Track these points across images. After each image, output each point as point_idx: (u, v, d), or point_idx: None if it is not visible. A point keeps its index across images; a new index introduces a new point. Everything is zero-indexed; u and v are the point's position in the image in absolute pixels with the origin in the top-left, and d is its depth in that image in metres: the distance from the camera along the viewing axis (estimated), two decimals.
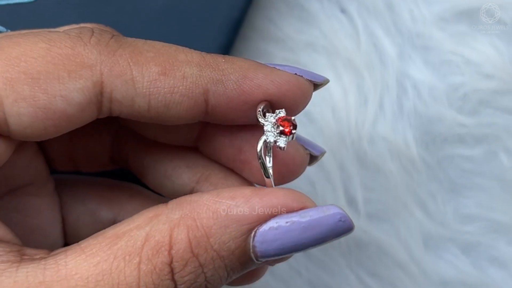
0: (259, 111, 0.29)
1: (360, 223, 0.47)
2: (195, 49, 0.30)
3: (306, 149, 0.33)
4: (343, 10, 0.48)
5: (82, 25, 0.32)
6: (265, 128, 0.29)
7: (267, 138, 0.29)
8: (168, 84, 0.28)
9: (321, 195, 0.47)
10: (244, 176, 0.33)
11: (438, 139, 0.47)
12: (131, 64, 0.28)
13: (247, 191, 0.28)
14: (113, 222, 0.35)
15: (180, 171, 0.34)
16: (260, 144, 0.29)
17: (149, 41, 0.29)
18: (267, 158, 0.29)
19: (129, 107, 0.28)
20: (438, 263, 0.47)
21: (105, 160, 0.36)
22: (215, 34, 0.42)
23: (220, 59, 0.29)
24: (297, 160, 0.32)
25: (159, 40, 0.32)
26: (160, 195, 0.36)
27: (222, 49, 0.43)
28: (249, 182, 0.33)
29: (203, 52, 0.30)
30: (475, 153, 0.47)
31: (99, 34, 0.29)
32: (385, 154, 0.47)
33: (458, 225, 0.47)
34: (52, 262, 0.26)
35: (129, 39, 0.29)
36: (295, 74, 0.30)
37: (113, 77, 0.28)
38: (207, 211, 0.27)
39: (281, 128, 0.29)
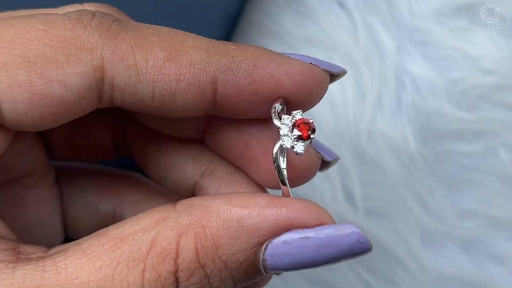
0: (274, 112, 0.27)
1: (358, 219, 0.47)
2: None
3: (318, 152, 0.31)
4: (341, 4, 0.48)
5: (84, 5, 0.31)
6: (280, 132, 0.27)
7: (284, 144, 0.27)
8: (173, 71, 0.26)
9: (319, 191, 0.47)
10: (250, 175, 0.31)
11: (437, 135, 0.47)
12: (134, 48, 0.26)
13: (261, 200, 0.26)
14: (112, 214, 0.34)
15: (184, 163, 0.32)
16: (276, 149, 0.27)
17: (154, 25, 0.28)
18: (283, 164, 0.27)
19: (132, 95, 0.27)
20: (436, 259, 0.47)
21: (107, 149, 0.35)
22: (213, 28, 0.42)
23: (230, 45, 0.28)
24: (307, 164, 0.30)
25: None
26: (162, 187, 0.35)
27: None
28: (255, 182, 0.32)
29: (212, 39, 0.28)
30: (474, 149, 0.47)
31: (101, 16, 0.27)
32: (384, 149, 0.47)
33: (457, 221, 0.47)
34: (51, 264, 0.25)
35: (133, 22, 0.28)
36: (310, 63, 0.28)
37: (115, 62, 0.26)
38: (218, 219, 0.25)
39: (298, 133, 0.27)
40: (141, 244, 0.25)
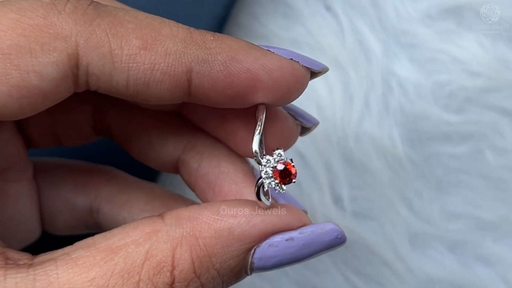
0: (256, 151, 0.27)
1: (346, 222, 0.47)
2: None
3: (296, 119, 0.31)
4: (328, 7, 0.48)
5: None
6: (262, 173, 0.27)
7: (264, 186, 0.27)
8: (148, 60, 0.26)
9: (307, 194, 0.47)
10: (230, 146, 0.32)
11: (424, 137, 0.47)
12: (109, 35, 0.26)
13: (247, 209, 0.27)
14: (89, 208, 0.34)
15: (165, 139, 0.32)
16: (256, 186, 0.28)
17: (132, 11, 0.27)
18: (265, 200, 0.28)
19: (107, 82, 0.26)
20: (424, 261, 0.47)
21: (88, 132, 0.34)
22: None
23: (208, 36, 0.27)
24: (286, 133, 0.31)
25: None
26: (138, 179, 0.35)
27: None
28: (235, 153, 0.32)
29: (191, 28, 0.27)
30: (461, 151, 0.47)
31: (76, 0, 0.26)
32: (371, 152, 0.47)
33: (444, 223, 0.47)
34: (42, 273, 0.25)
35: (110, 7, 0.27)
36: (291, 59, 0.28)
37: (89, 49, 0.25)
38: (209, 230, 0.26)
39: (279, 179, 0.27)
40: (135, 257, 0.25)
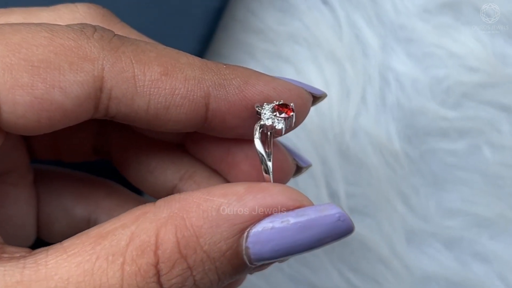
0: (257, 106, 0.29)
1: None
2: (175, 38, 0.31)
3: (294, 159, 0.33)
4: (325, 1, 0.47)
5: (77, 4, 0.32)
6: (262, 112, 0.29)
7: (264, 120, 0.28)
8: (169, 85, 0.28)
9: (303, 190, 0.46)
10: (229, 179, 0.32)
11: (421, 133, 0.47)
12: (133, 62, 0.27)
13: (240, 188, 0.26)
14: (87, 219, 0.34)
15: (164, 167, 0.33)
16: (256, 129, 0.28)
17: (151, 42, 0.29)
18: (264, 153, 0.28)
19: (128, 106, 0.28)
20: (420, 258, 0.47)
21: (87, 151, 0.35)
22: (196, 24, 0.42)
23: (221, 65, 0.29)
24: (285, 168, 0.32)
25: (139, 31, 0.32)
26: (139, 194, 0.36)
27: (202, 39, 0.42)
28: None
29: (205, 59, 0.29)
30: (458, 147, 0.47)
31: (102, 30, 0.28)
32: (368, 148, 0.46)
33: (441, 220, 0.47)
34: (31, 261, 0.25)
35: (132, 38, 0.29)
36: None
37: (114, 73, 0.27)
38: (197, 209, 0.26)
39: (278, 112, 0.28)
40: (120, 239, 0.25)
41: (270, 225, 0.26)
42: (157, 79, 0.27)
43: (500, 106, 0.47)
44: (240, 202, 0.26)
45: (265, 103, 0.29)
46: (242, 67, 0.30)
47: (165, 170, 0.33)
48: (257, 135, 0.28)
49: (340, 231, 0.26)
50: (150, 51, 0.28)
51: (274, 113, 0.28)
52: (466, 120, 0.47)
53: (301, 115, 0.30)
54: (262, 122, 0.28)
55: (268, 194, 0.26)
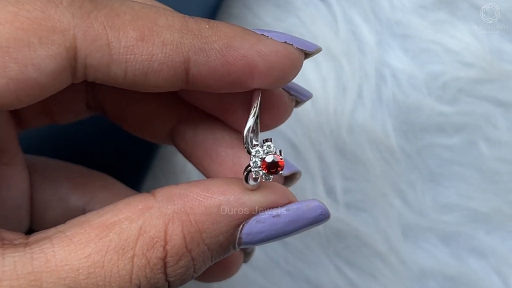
0: (246, 137, 0.28)
1: (339, 213, 0.46)
2: None
3: (291, 95, 0.32)
4: None
5: None
6: (251, 162, 0.28)
7: (252, 174, 0.28)
8: (146, 51, 0.26)
9: (300, 185, 0.46)
10: (228, 123, 0.32)
11: (417, 128, 0.47)
12: (107, 28, 0.26)
13: (236, 187, 0.28)
14: (82, 210, 0.34)
15: (159, 111, 0.33)
16: (245, 171, 0.28)
17: (127, 1, 0.28)
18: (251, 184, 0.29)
19: (105, 73, 0.27)
20: (417, 253, 0.47)
21: (80, 108, 0.35)
22: None
23: (204, 24, 0.28)
24: (282, 108, 0.31)
25: None
26: (135, 190, 0.36)
27: None
28: (230, 127, 0.32)
29: (186, 16, 0.28)
30: (454, 142, 0.47)
31: None
32: (364, 143, 0.46)
33: (437, 215, 0.47)
34: (38, 251, 0.25)
35: None
36: (284, 42, 0.28)
37: (87, 42, 0.26)
38: (199, 206, 0.27)
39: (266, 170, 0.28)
40: (129, 233, 0.26)
41: (263, 219, 0.28)
42: (133, 45, 0.26)
43: (496, 101, 0.47)
44: (238, 201, 0.28)
45: (253, 149, 0.28)
46: (227, 25, 0.28)
47: (160, 114, 0.33)
48: (245, 175, 0.28)
49: (319, 222, 0.29)
50: (125, 13, 0.27)
51: (263, 171, 0.28)
52: (462, 115, 0.47)
53: (289, 77, 0.29)
54: (251, 169, 0.28)
55: (263, 194, 0.28)
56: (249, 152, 0.28)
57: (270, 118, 0.31)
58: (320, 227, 0.46)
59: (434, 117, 0.47)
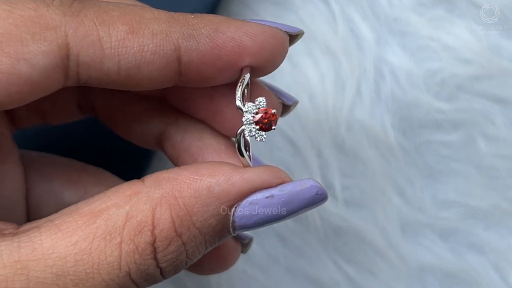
0: (239, 96, 0.28)
1: (337, 210, 0.47)
2: None
3: (279, 98, 0.32)
4: None
5: None
6: (243, 119, 0.28)
7: (245, 133, 0.28)
8: (137, 43, 0.27)
9: None
10: (214, 126, 0.33)
11: (416, 125, 0.47)
12: (97, 24, 0.27)
13: (226, 168, 0.28)
14: None
15: (149, 114, 0.33)
16: (238, 134, 0.28)
17: (112, 1, 0.28)
18: (244, 151, 0.29)
19: (98, 70, 0.27)
20: (416, 249, 0.47)
21: (73, 110, 0.35)
22: None
23: (189, 15, 0.28)
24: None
25: None
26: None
27: None
28: (218, 132, 0.33)
29: (171, 12, 0.29)
30: (452, 139, 0.47)
31: None
32: (363, 140, 0.47)
33: (436, 211, 0.47)
34: (26, 239, 0.25)
35: (93, 0, 0.28)
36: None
37: (79, 38, 0.26)
38: (188, 189, 0.27)
39: (258, 125, 0.28)
40: (116, 219, 0.26)
41: (256, 200, 0.28)
42: (123, 38, 0.27)
43: (495, 98, 0.47)
44: (228, 181, 0.27)
45: (247, 104, 0.28)
46: (212, 15, 0.29)
47: (150, 117, 0.33)
48: (237, 139, 0.28)
49: (317, 202, 0.29)
50: (113, 10, 0.27)
51: (255, 127, 0.28)
52: (460, 112, 0.47)
53: (279, 56, 0.30)
54: (243, 129, 0.28)
55: (254, 173, 0.28)
56: (241, 109, 0.28)
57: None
58: (319, 224, 0.46)
59: (433, 113, 0.47)
